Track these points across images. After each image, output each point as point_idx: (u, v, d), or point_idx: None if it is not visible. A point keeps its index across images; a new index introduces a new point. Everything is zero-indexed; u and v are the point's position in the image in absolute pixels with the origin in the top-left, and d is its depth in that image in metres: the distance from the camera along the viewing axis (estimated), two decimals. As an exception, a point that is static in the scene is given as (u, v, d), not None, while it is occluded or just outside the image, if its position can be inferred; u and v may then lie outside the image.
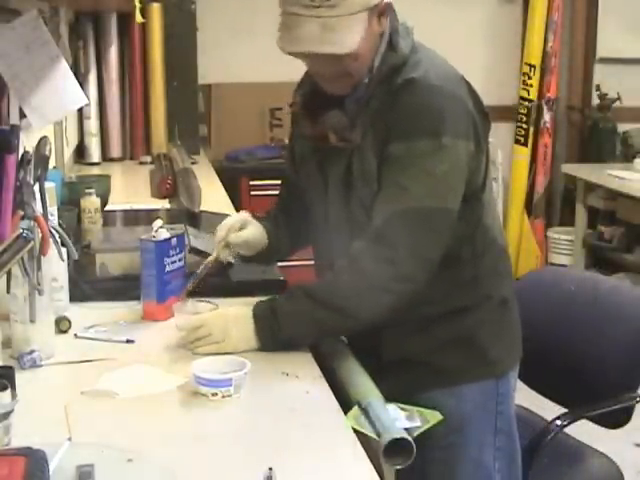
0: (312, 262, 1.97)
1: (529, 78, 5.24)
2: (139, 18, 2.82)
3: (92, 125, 4.33)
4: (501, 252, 1.89)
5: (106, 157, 4.42)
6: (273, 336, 1.71)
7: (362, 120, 1.72)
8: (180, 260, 1.97)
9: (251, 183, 4.65)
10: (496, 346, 1.85)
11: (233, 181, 4.44)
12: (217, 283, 2.13)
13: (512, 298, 1.90)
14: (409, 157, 1.67)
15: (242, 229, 1.95)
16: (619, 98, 5.23)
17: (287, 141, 2.03)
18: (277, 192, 2.09)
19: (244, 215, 2.00)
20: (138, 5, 2.65)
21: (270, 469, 1.25)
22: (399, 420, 1.52)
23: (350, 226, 1.77)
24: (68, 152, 3.86)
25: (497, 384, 1.86)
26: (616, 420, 2.06)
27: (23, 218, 1.53)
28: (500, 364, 1.87)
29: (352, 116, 1.72)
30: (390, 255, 1.66)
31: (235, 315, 1.75)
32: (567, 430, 2.04)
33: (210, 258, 1.92)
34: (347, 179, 1.76)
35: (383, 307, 1.69)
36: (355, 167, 1.75)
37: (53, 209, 1.85)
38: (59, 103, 2.28)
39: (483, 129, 1.77)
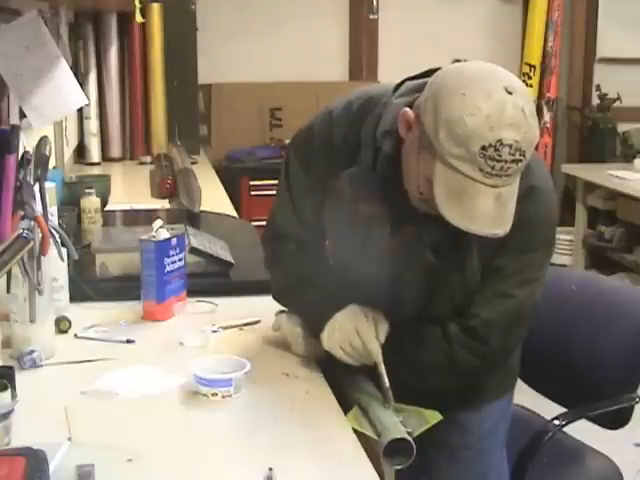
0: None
1: (529, 78, 5.24)
2: (139, 18, 2.82)
3: (92, 125, 4.33)
4: None
5: (106, 157, 4.42)
6: None
7: (467, 237, 1.48)
8: (180, 260, 1.97)
9: (251, 183, 4.66)
10: (515, 357, 1.81)
11: (233, 181, 4.45)
12: (217, 283, 2.14)
13: None
14: (520, 267, 1.57)
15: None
16: (619, 98, 5.23)
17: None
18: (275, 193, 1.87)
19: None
20: (138, 5, 2.64)
21: (270, 469, 1.25)
22: (399, 420, 1.52)
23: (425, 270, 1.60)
24: (68, 152, 3.86)
25: (510, 397, 1.86)
26: (616, 420, 2.05)
27: (23, 218, 1.52)
28: (515, 376, 1.86)
29: (457, 234, 1.44)
30: (484, 351, 1.61)
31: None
32: (567, 430, 2.03)
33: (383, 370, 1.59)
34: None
35: (461, 383, 1.68)
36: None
37: (53, 209, 1.85)
38: (59, 103, 2.29)
39: None
